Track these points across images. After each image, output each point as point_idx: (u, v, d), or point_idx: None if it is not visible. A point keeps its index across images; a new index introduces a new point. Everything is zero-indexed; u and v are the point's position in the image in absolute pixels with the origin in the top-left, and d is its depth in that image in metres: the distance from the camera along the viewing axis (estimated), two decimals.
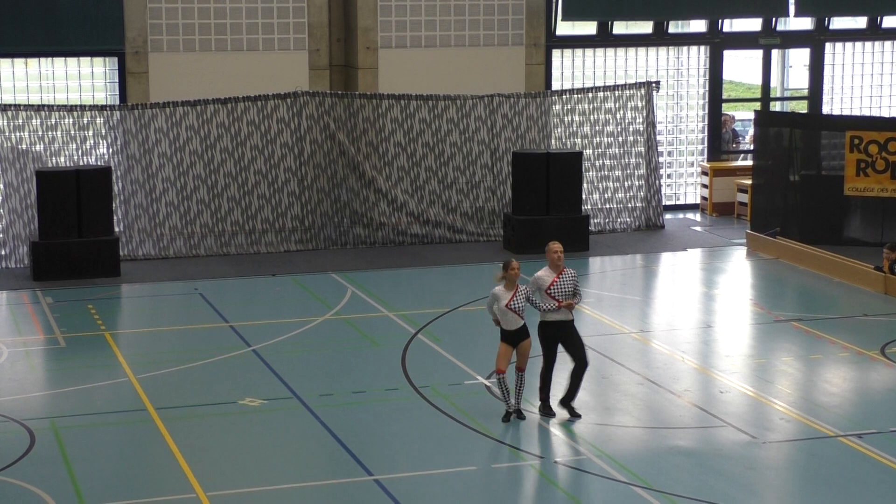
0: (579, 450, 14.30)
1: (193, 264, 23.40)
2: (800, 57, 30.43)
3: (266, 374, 17.02)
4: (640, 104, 26.43)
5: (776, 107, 30.12)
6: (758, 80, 29.97)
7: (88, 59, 25.33)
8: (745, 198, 27.20)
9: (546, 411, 15.17)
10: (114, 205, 23.23)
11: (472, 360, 17.40)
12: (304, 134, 24.54)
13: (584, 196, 25.52)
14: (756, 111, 27.42)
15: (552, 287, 14.95)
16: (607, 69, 27.95)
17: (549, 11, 27.11)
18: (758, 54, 29.56)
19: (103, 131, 23.91)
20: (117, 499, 13.02)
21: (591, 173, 26.28)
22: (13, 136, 23.35)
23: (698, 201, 28.58)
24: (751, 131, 29.01)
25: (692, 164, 28.79)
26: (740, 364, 17.50)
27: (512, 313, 14.78)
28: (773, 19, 28.74)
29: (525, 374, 15.03)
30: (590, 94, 26.33)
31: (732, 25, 29.16)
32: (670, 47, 28.36)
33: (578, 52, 27.82)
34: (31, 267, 22.30)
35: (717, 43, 28.51)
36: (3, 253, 23.13)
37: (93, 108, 23.99)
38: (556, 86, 27.39)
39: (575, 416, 15.16)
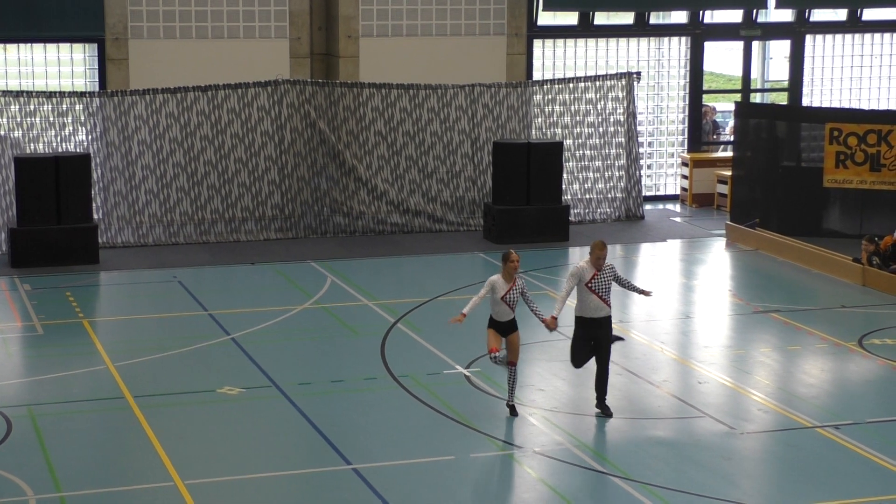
0: (558, 440, 14.32)
1: (172, 252, 23.34)
2: (780, 49, 30.48)
3: (245, 363, 16.99)
4: (620, 95, 26.44)
5: (756, 98, 30.17)
6: (738, 72, 30.02)
7: (68, 45, 25.22)
8: (724, 189, 27.26)
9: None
10: (93, 192, 23.16)
11: (451, 349, 17.40)
12: (285, 122, 24.49)
13: (564, 186, 25.53)
14: (736, 102, 27.48)
15: (592, 281, 14.81)
16: (588, 59, 27.96)
17: (531, 1, 27.09)
18: (738, 46, 29.61)
19: (82, 118, 23.82)
20: (94, 486, 12.99)
21: (571, 163, 26.29)
22: None
23: (678, 192, 28.63)
24: (731, 122, 29.06)
25: (672, 155, 28.83)
26: (719, 355, 17.54)
27: (505, 305, 14.68)
28: (754, 11, 28.79)
29: (517, 368, 14.96)
30: (571, 85, 26.33)
31: (713, 17, 29.20)
32: (651, 38, 28.37)
33: (560, 42, 27.81)
34: (9, 254, 22.21)
35: (698, 34, 28.54)
36: None
37: (72, 94, 23.89)
38: (537, 76, 27.39)
39: (607, 413, 14.99)
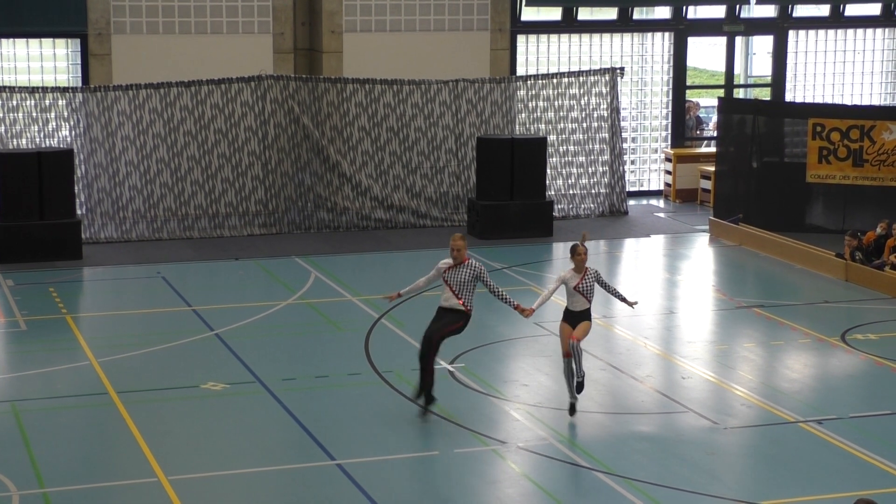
0: (542, 435, 14.34)
1: (156, 248, 23.30)
2: (763, 44, 30.53)
3: (229, 359, 16.97)
4: (604, 90, 26.47)
5: (739, 94, 30.23)
6: (721, 67, 30.07)
7: (50, 40, 25.15)
8: (708, 184, 27.31)
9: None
10: (76, 188, 23.10)
11: None
12: (269, 118, 24.46)
13: (548, 182, 25.55)
14: (720, 98, 27.52)
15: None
16: (572, 55, 27.98)
17: None
18: (722, 41, 29.66)
19: (65, 114, 23.76)
20: (78, 483, 12.98)
21: (555, 159, 26.32)
22: None
23: (662, 188, 28.67)
24: (714, 118, 29.11)
25: (656, 151, 28.87)
26: (702, 350, 17.58)
27: (579, 295, 14.68)
28: (737, 6, 28.83)
29: (571, 359, 14.62)
30: (554, 80, 26.35)
31: (696, 12, 29.23)
32: (635, 33, 28.41)
33: (543, 37, 27.83)
34: None
35: (682, 29, 28.59)
36: None
37: (55, 90, 23.84)
38: (520, 71, 27.40)
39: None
